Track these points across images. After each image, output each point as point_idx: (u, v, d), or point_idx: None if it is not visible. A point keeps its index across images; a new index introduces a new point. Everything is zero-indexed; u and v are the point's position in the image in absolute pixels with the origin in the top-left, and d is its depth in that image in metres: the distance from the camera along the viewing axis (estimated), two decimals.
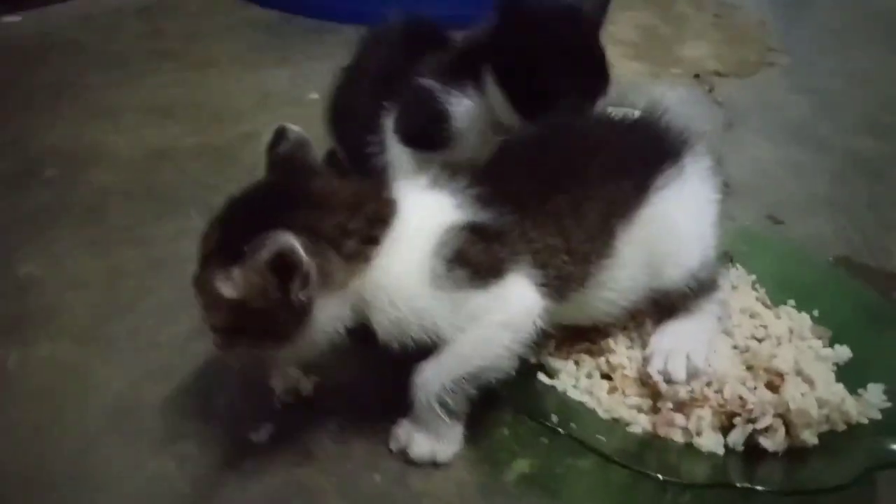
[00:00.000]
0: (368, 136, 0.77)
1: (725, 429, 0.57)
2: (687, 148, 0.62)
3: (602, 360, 0.62)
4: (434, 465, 0.55)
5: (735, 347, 0.63)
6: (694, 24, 2.01)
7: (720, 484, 0.53)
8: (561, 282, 0.55)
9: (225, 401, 0.61)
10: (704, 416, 0.56)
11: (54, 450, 0.55)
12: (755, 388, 0.58)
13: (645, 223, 0.58)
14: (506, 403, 0.58)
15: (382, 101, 0.76)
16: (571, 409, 0.57)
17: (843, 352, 0.64)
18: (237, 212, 0.54)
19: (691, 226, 0.61)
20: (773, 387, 0.58)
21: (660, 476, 0.51)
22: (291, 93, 1.25)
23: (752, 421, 0.55)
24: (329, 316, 0.51)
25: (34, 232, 0.82)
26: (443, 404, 0.53)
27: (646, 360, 0.60)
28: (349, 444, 0.58)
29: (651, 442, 0.57)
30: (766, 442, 0.55)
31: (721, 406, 0.57)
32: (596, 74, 0.69)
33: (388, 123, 0.76)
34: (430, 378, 0.53)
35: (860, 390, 0.60)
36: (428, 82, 0.73)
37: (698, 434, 0.56)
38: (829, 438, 0.56)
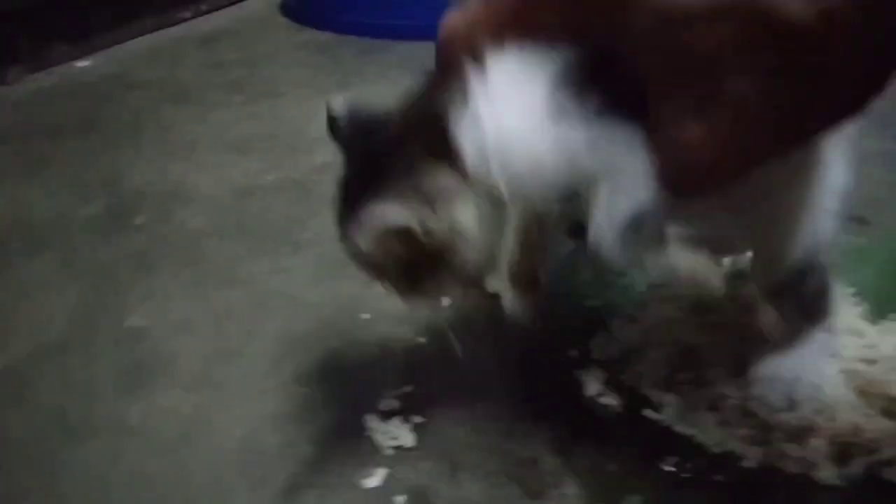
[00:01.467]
0: None
1: (843, 460, 0.56)
2: None
3: (707, 390, 0.62)
4: None
5: (843, 371, 0.62)
6: None
7: None
8: None
9: (334, 447, 0.63)
10: (819, 447, 0.56)
11: (188, 501, 0.59)
12: (872, 415, 0.57)
13: None
14: (612, 442, 0.58)
15: None
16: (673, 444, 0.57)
17: None
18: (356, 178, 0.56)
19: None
20: (890, 413, 0.57)
21: None
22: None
23: (871, 452, 0.55)
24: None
25: (134, 280, 0.87)
26: None
27: (749, 388, 0.60)
28: (459, 487, 0.59)
29: (765, 476, 0.56)
30: (890, 473, 0.54)
31: (836, 436, 0.56)
32: None
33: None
34: None
35: None
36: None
37: (814, 466, 0.55)
38: None
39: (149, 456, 0.62)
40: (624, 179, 0.46)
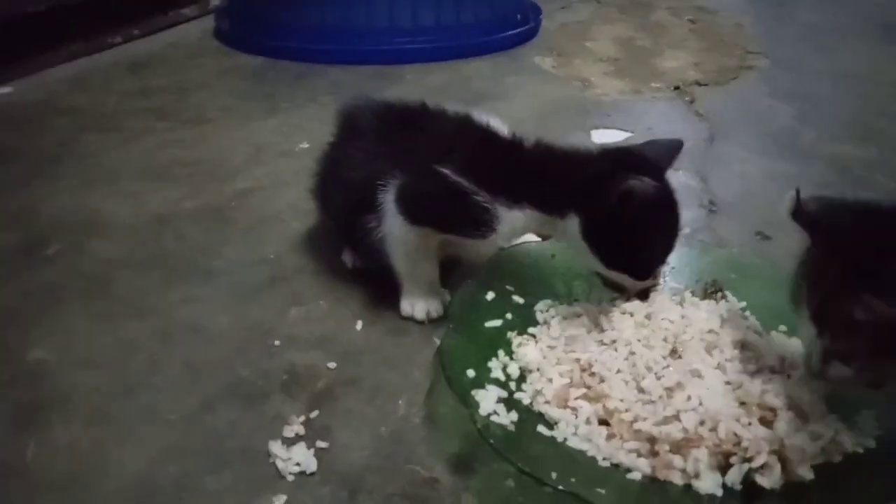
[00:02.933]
0: (364, 213, 0.78)
1: (723, 468, 0.58)
2: None
3: (599, 405, 0.64)
4: None
5: (728, 383, 0.64)
6: (672, 33, 2.04)
7: None
8: None
9: (234, 476, 0.62)
10: (701, 457, 0.58)
11: None
12: (749, 424, 0.60)
13: None
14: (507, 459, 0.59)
15: (377, 180, 0.76)
16: (571, 461, 0.59)
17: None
18: (854, 249, 0.57)
19: None
20: (766, 422, 0.60)
21: None
22: (283, 144, 1.29)
23: (748, 460, 0.57)
24: None
25: (41, 312, 0.85)
26: None
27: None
28: None
29: (654, 487, 0.58)
30: (762, 480, 0.56)
31: (717, 445, 0.58)
32: (675, 220, 0.73)
33: (388, 201, 0.75)
34: None
35: (856, 417, 0.62)
36: (457, 179, 0.72)
37: (696, 476, 0.57)
38: (827, 471, 0.58)
39: (37, 497, 0.61)
40: None
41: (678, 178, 1.17)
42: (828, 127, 1.38)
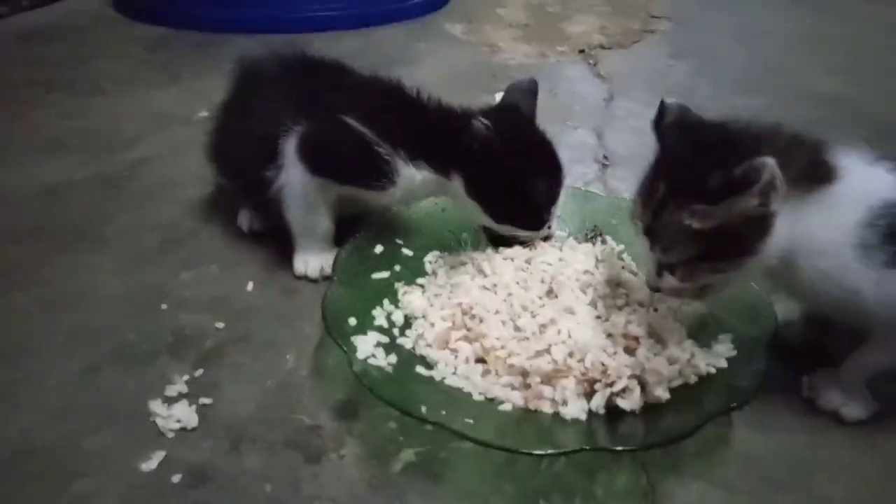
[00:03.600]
0: (264, 164, 0.77)
1: (589, 395, 0.61)
2: None
3: (477, 345, 0.66)
4: (838, 419, 0.63)
5: (598, 317, 0.68)
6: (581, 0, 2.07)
7: (584, 450, 0.57)
8: None
9: (114, 436, 0.62)
10: (568, 386, 0.61)
11: None
12: (615, 353, 0.63)
13: None
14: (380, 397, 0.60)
15: (277, 129, 0.76)
16: (445, 397, 0.61)
17: (699, 307, 0.69)
18: (679, 160, 0.59)
19: None
20: (630, 350, 0.63)
21: (519, 450, 0.56)
22: (181, 113, 1.25)
23: (610, 385, 0.61)
24: (779, 233, 0.57)
25: None
26: (868, 386, 0.62)
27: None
28: (240, 460, 0.60)
29: (525, 417, 0.61)
30: (622, 403, 0.60)
31: (584, 374, 0.62)
32: (556, 173, 0.75)
33: (288, 150, 0.75)
34: (865, 365, 0.62)
35: (714, 342, 0.66)
36: (360, 128, 0.73)
37: (564, 404, 0.61)
38: (683, 392, 0.62)
39: None
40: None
41: (576, 135, 1.21)
42: (722, 82, 1.44)
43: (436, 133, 0.75)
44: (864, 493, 0.58)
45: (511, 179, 0.72)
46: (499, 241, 0.78)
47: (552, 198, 0.76)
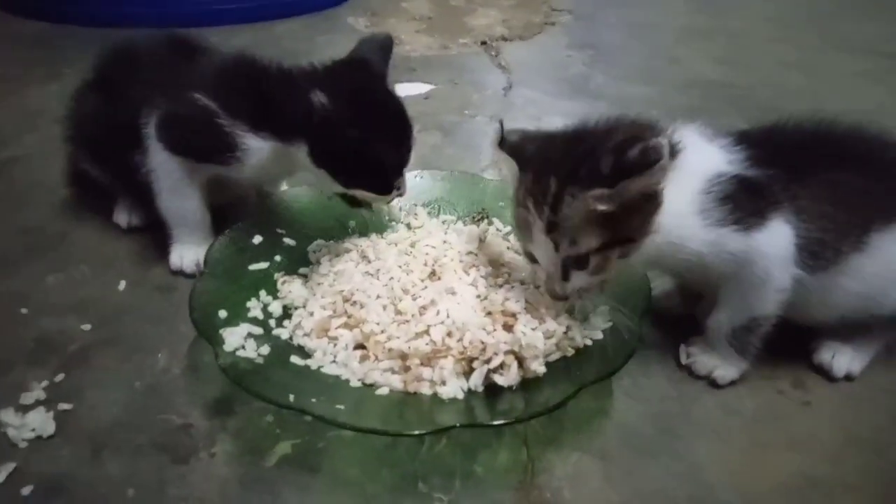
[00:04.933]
0: (128, 147, 0.75)
1: (468, 375, 0.61)
2: None
3: (357, 331, 0.64)
4: (713, 384, 0.66)
5: (478, 297, 0.67)
6: None
7: (457, 426, 0.56)
8: (817, 247, 0.60)
9: None
10: (446, 366, 0.60)
11: None
12: (494, 331, 0.63)
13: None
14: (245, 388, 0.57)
15: (141, 110, 0.74)
16: (319, 385, 0.59)
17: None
18: (557, 160, 0.58)
19: None
20: (508, 327, 0.63)
21: (391, 431, 0.54)
22: (61, 110, 1.16)
23: (487, 362, 0.60)
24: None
25: None
26: (731, 343, 0.64)
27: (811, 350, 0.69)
28: (101, 467, 0.56)
29: (404, 400, 0.60)
30: (500, 379, 0.59)
31: (462, 354, 0.61)
32: (404, 134, 0.72)
33: (150, 131, 0.74)
34: (721, 322, 0.64)
35: (590, 314, 0.67)
36: (207, 103, 0.71)
37: (442, 384, 0.60)
38: (561, 365, 0.62)
39: None
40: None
41: (473, 123, 1.21)
42: (616, 71, 1.48)
43: (276, 102, 0.71)
44: (730, 454, 0.59)
45: (354, 145, 0.69)
46: (356, 204, 0.77)
47: (400, 160, 0.73)
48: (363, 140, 0.68)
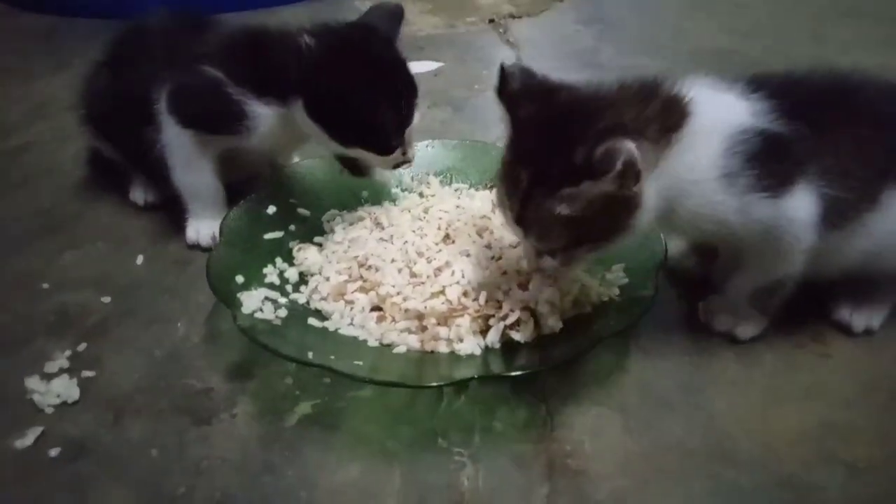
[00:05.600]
0: (142, 124, 0.75)
1: (485, 333, 0.61)
2: None
3: (373, 294, 0.64)
4: (733, 340, 0.65)
5: (493, 257, 0.67)
6: None
7: (481, 378, 0.56)
8: (840, 206, 0.57)
9: None
10: (463, 324, 0.60)
11: None
12: (509, 290, 0.63)
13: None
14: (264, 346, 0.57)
15: (153, 86, 0.74)
16: (337, 345, 0.59)
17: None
18: (538, 141, 0.54)
19: None
20: (523, 285, 0.63)
21: (407, 383, 0.55)
22: (69, 99, 1.17)
23: (503, 318, 0.60)
24: (649, 200, 0.54)
25: None
26: (752, 304, 0.63)
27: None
28: (123, 430, 0.57)
29: (421, 358, 0.60)
30: (516, 335, 0.59)
31: (478, 312, 0.61)
32: (405, 91, 0.71)
33: (162, 106, 0.74)
34: (744, 284, 0.62)
35: (606, 272, 0.67)
36: (215, 73, 0.71)
37: (459, 341, 0.60)
38: (577, 321, 0.62)
39: None
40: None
41: (483, 97, 1.21)
42: (625, 45, 1.46)
43: (274, 61, 0.71)
44: (748, 405, 0.59)
45: (350, 97, 0.67)
46: (355, 170, 0.75)
47: (402, 119, 0.70)
48: (359, 90, 0.67)
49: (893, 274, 0.64)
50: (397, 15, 0.76)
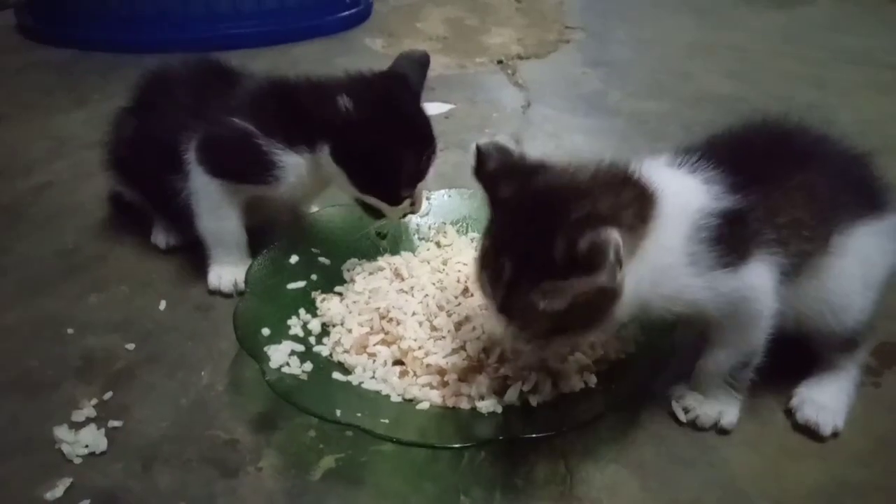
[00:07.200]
0: (168, 171, 0.78)
1: (502, 390, 0.62)
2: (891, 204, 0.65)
3: (395, 347, 0.66)
4: (719, 430, 0.63)
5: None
6: (498, 13, 2.12)
7: (502, 439, 0.58)
8: (797, 259, 0.59)
9: (15, 466, 0.59)
10: (483, 382, 0.62)
11: None
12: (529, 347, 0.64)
13: (847, 249, 0.61)
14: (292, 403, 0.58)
15: (181, 136, 0.77)
16: (362, 400, 0.61)
17: None
18: (519, 228, 0.54)
19: (876, 272, 0.63)
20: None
21: (434, 444, 0.56)
22: (89, 136, 1.20)
23: (523, 381, 0.62)
24: (628, 288, 0.54)
25: None
26: (728, 383, 0.62)
27: (793, 408, 0.64)
28: (152, 481, 0.58)
29: (444, 415, 0.61)
30: (533, 399, 0.61)
31: (497, 372, 0.63)
32: (426, 148, 0.74)
33: (190, 156, 0.76)
34: (719, 363, 0.61)
35: (622, 330, 0.68)
36: (245, 125, 0.74)
37: (480, 398, 0.61)
38: (597, 377, 0.64)
39: None
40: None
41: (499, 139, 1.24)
42: (631, 88, 1.50)
43: (306, 111, 0.74)
44: (763, 463, 0.61)
45: (371, 148, 0.71)
46: (372, 213, 0.78)
47: (416, 173, 0.74)
48: (380, 144, 0.71)
49: (844, 335, 0.64)
50: (424, 64, 0.79)
